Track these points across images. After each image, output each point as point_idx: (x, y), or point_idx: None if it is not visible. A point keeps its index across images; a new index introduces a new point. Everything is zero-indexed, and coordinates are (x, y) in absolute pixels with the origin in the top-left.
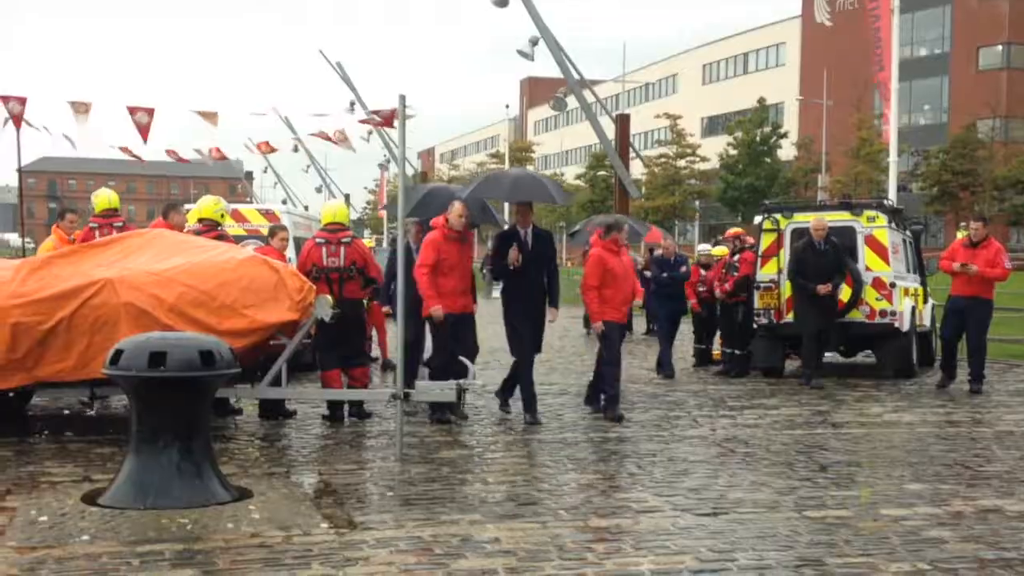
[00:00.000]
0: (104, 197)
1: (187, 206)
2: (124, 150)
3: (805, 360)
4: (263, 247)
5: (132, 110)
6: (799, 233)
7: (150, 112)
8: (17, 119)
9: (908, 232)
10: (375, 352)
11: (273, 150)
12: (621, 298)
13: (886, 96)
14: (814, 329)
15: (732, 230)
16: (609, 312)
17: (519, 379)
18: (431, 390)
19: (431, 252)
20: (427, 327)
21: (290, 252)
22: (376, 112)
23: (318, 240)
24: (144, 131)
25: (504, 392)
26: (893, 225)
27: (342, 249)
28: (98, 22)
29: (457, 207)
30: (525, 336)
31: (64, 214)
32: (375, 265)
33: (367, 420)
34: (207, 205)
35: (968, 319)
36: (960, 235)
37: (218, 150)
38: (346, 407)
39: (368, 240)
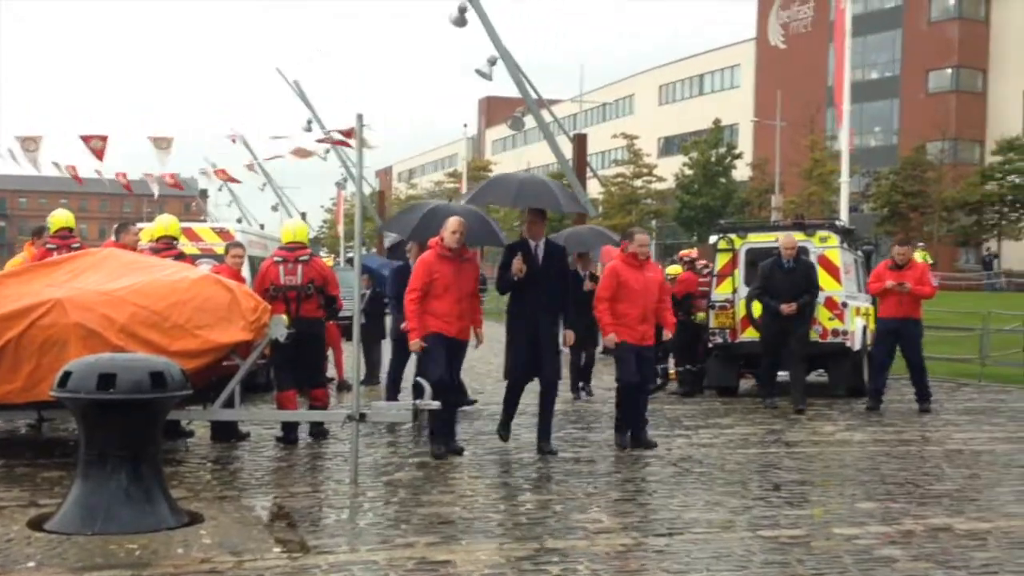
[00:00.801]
0: (60, 217)
1: (139, 225)
2: (70, 169)
3: (765, 379)
4: (217, 266)
5: (86, 139)
6: (754, 253)
7: (103, 139)
8: None
9: (860, 252)
10: (331, 372)
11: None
12: (637, 315)
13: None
14: (772, 354)
15: (685, 251)
16: (622, 331)
17: (505, 400)
18: (388, 411)
19: (421, 274)
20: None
21: (246, 271)
22: (339, 132)
23: (276, 259)
24: (99, 154)
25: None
26: (845, 245)
27: (299, 267)
28: (51, 39)
29: (451, 223)
30: (520, 357)
31: (41, 232)
32: (335, 283)
33: (323, 441)
34: (165, 223)
35: (903, 340)
36: (918, 255)
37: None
38: (306, 427)
39: (326, 259)
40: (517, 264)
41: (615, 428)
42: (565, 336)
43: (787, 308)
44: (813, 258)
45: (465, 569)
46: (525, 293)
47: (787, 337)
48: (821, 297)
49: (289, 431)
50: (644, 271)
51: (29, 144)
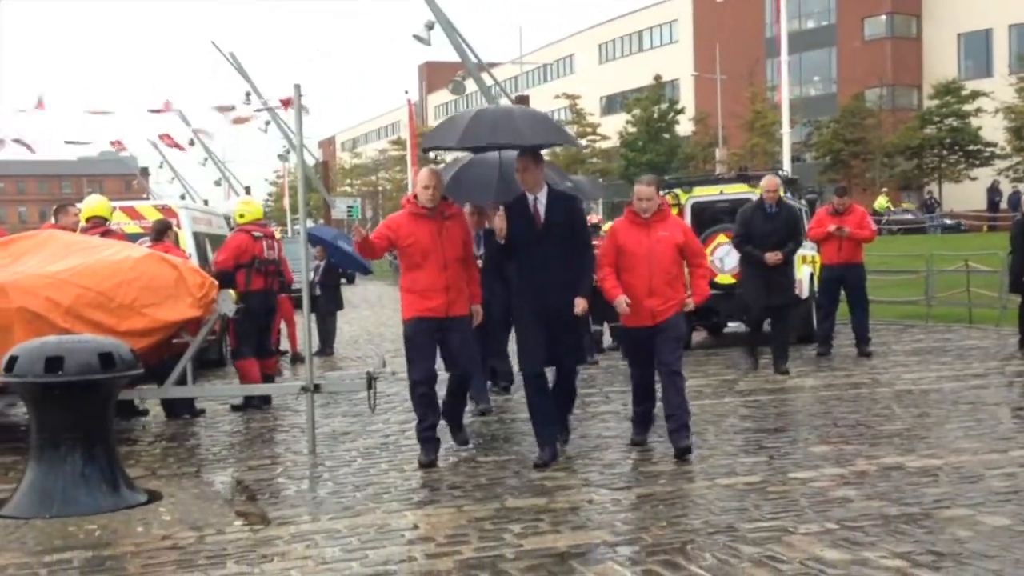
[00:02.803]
0: (93, 204)
1: (78, 206)
2: (18, 141)
3: (748, 339)
4: (162, 244)
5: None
6: (700, 206)
7: (40, 106)
8: None
9: (803, 201)
10: (284, 345)
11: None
12: (642, 288)
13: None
14: (758, 309)
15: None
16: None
17: (528, 404)
18: (341, 381)
19: (381, 230)
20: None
21: (190, 248)
22: (279, 102)
23: (255, 234)
24: (40, 106)
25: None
26: (789, 195)
27: (275, 243)
28: None
29: (423, 175)
30: (531, 341)
31: None
32: (284, 259)
33: (267, 408)
34: (95, 204)
35: (847, 285)
36: (880, 200)
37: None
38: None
39: (275, 232)
40: (498, 223)
41: (631, 420)
42: (578, 303)
43: (772, 257)
44: None
45: (427, 532)
46: (528, 261)
47: (771, 291)
48: None
49: (250, 398)
50: (650, 231)
51: None
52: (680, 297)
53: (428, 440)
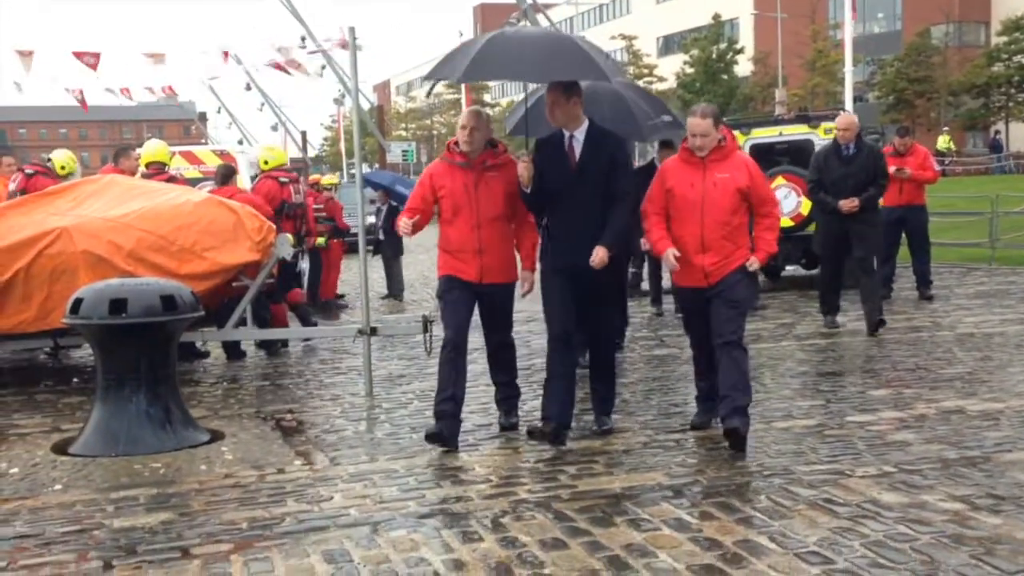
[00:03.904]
0: (150, 150)
1: (138, 150)
2: (77, 94)
3: (820, 294)
4: (227, 188)
5: (79, 55)
6: (758, 148)
7: (96, 56)
8: None
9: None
10: (341, 290)
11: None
12: (692, 243)
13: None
14: (833, 261)
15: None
16: (680, 264)
17: (548, 370)
18: (398, 324)
19: (417, 191)
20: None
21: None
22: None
23: (282, 179)
24: (93, 67)
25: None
26: None
27: (301, 187)
28: None
29: (464, 114)
30: (557, 306)
31: (0, 158)
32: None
33: (330, 352)
34: (154, 149)
35: (908, 227)
36: (942, 140)
37: (170, 88)
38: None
39: (331, 177)
40: (523, 169)
41: (695, 398)
42: (596, 252)
43: (848, 205)
44: (819, 149)
45: (483, 473)
46: (558, 210)
47: (851, 242)
48: None
49: (274, 343)
50: (706, 172)
51: (25, 54)
52: (743, 254)
53: (443, 416)
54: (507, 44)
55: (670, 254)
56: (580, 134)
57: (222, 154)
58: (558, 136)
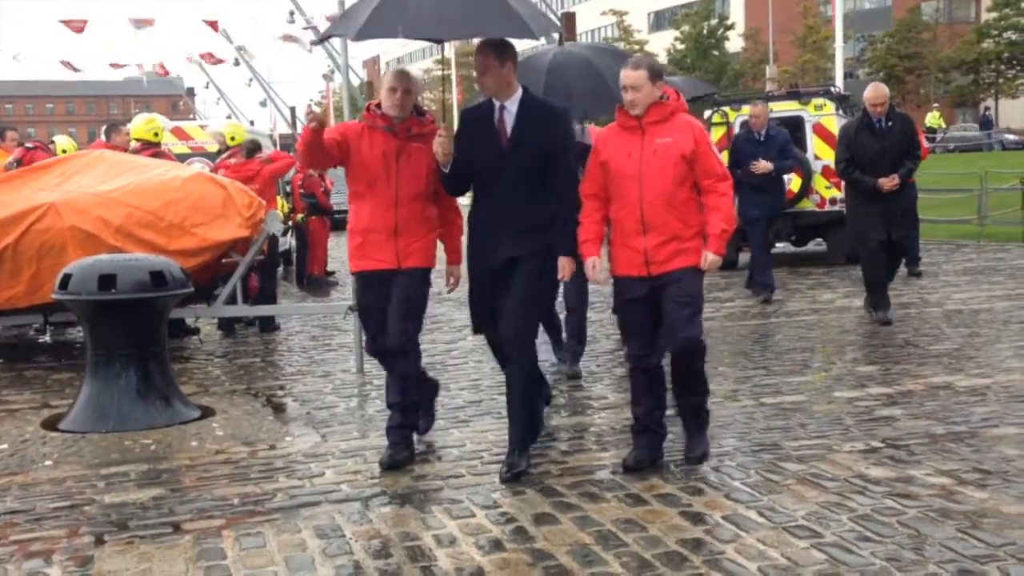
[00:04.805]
0: (138, 125)
1: (128, 125)
2: (65, 64)
3: (867, 285)
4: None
5: (67, 23)
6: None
7: (84, 22)
8: None
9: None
10: (331, 267)
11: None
12: (631, 220)
13: None
14: (873, 243)
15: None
16: (617, 251)
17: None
18: None
19: (333, 128)
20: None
21: None
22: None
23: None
24: (80, 31)
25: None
26: (841, 112)
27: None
28: None
29: (389, 75)
30: (477, 303)
31: (4, 133)
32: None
33: (321, 329)
34: (140, 125)
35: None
36: (932, 117)
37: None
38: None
39: None
40: (439, 147)
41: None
42: (561, 266)
43: (889, 183)
44: (808, 127)
45: (473, 449)
46: (484, 196)
47: (891, 222)
48: (818, 166)
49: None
50: (644, 138)
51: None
52: (695, 244)
53: (393, 438)
54: None
55: (591, 264)
56: (512, 105)
57: (176, 130)
58: (486, 107)
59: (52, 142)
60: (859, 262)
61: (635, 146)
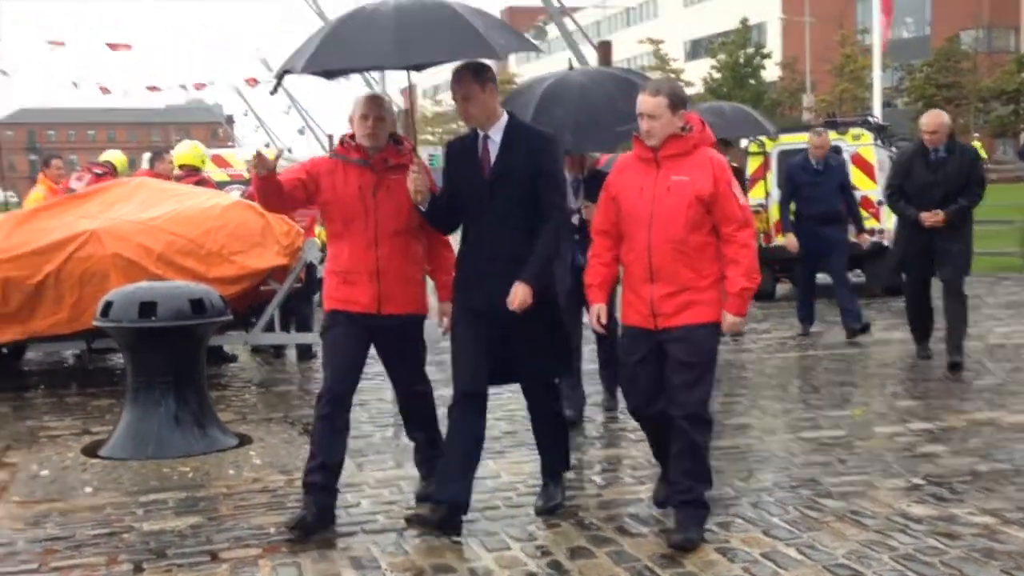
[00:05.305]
0: (182, 152)
1: (171, 152)
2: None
3: (910, 323)
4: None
5: (112, 46)
6: (786, 155)
7: (128, 47)
8: None
9: (894, 148)
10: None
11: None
12: (639, 266)
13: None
14: (915, 281)
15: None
16: (625, 296)
17: (447, 435)
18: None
19: (295, 168)
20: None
21: None
22: None
23: None
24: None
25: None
26: (879, 142)
27: None
28: None
29: (360, 100)
30: (463, 354)
31: (49, 161)
32: None
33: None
34: (186, 151)
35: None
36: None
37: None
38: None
39: None
40: (409, 182)
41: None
42: (513, 291)
43: (931, 219)
44: (847, 156)
45: (509, 480)
46: (469, 235)
47: (935, 261)
48: (856, 196)
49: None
50: (660, 173)
51: (57, 49)
52: (711, 295)
53: (311, 487)
54: (356, 24)
55: (596, 311)
56: (496, 134)
57: (216, 158)
58: (471, 138)
59: (108, 161)
60: (898, 292)
61: (648, 181)
